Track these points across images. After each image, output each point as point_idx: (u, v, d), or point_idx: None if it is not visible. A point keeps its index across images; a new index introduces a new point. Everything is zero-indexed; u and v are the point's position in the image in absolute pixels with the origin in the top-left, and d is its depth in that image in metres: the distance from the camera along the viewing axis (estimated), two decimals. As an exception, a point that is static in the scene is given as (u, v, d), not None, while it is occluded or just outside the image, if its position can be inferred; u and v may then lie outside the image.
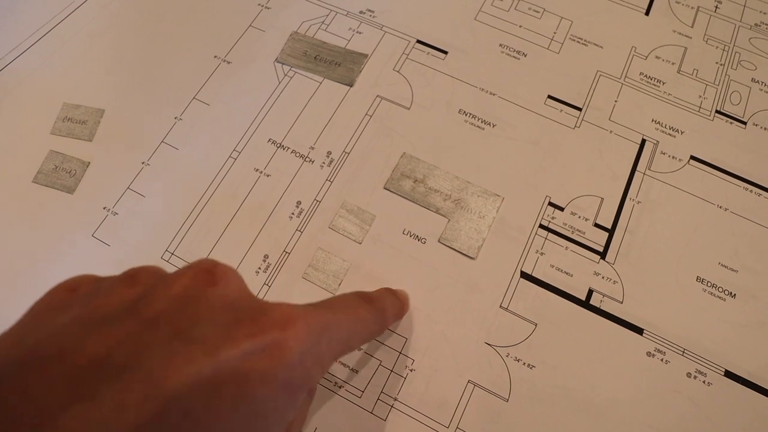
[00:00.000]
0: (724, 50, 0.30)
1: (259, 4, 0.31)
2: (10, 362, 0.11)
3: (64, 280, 0.15)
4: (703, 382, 0.22)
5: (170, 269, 0.15)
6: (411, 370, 0.23)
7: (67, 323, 0.13)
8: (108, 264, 0.25)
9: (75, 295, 0.14)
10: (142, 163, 0.27)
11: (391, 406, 0.22)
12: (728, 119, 0.28)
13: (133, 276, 0.14)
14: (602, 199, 0.26)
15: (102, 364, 0.11)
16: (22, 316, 0.14)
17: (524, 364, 0.23)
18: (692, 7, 0.31)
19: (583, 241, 0.25)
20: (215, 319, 0.13)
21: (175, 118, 0.28)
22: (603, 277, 0.24)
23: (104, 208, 0.26)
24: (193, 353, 0.12)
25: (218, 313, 0.13)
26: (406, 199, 0.26)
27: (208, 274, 0.14)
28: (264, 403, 0.13)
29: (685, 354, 0.23)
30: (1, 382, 0.11)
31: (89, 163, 0.27)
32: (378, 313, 0.19)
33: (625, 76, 0.29)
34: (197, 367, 0.12)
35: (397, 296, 0.22)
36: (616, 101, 0.28)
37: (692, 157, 0.27)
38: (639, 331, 0.23)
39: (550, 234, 0.25)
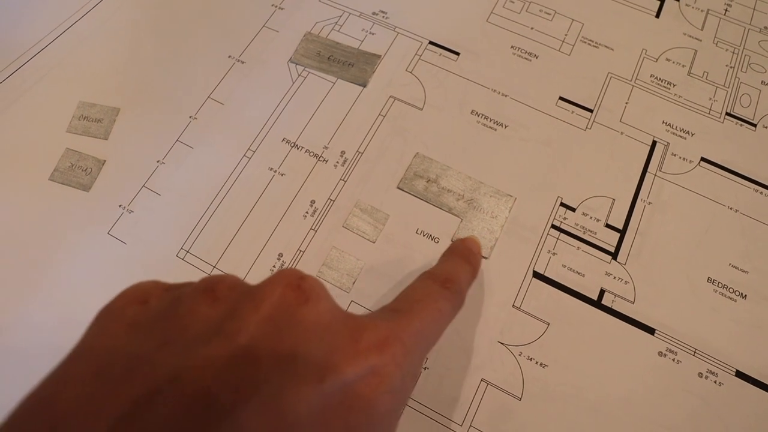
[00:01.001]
0: (734, 53, 0.30)
1: (272, 5, 0.31)
2: (94, 403, 0.10)
3: (128, 287, 0.14)
4: (715, 382, 0.23)
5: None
6: (424, 368, 0.23)
7: (151, 349, 0.12)
8: (124, 262, 0.25)
9: (149, 310, 0.13)
10: (157, 161, 0.27)
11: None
12: (738, 121, 0.28)
13: (211, 290, 0.13)
14: (613, 199, 0.26)
15: (207, 402, 0.10)
16: (89, 330, 0.13)
17: (537, 363, 0.23)
18: (702, 10, 0.31)
19: (594, 242, 0.25)
20: (313, 344, 0.12)
21: (190, 117, 0.28)
22: (614, 278, 0.24)
23: (120, 206, 0.26)
24: (299, 389, 0.11)
25: (315, 337, 0.12)
26: (420, 198, 0.26)
27: (297, 290, 0.13)
28: (371, 430, 0.12)
29: (696, 354, 0.23)
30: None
31: (105, 161, 0.27)
32: (456, 297, 0.18)
33: (636, 78, 0.29)
34: (305, 401, 0.11)
35: (469, 259, 0.21)
36: (627, 103, 0.29)
37: (703, 159, 0.27)
38: (651, 331, 0.23)
39: (562, 234, 0.25)
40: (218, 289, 0.13)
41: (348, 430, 0.12)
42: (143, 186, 0.27)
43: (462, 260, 0.21)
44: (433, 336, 0.16)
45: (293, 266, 0.25)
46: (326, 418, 0.11)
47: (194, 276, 0.25)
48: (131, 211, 0.26)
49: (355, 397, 0.12)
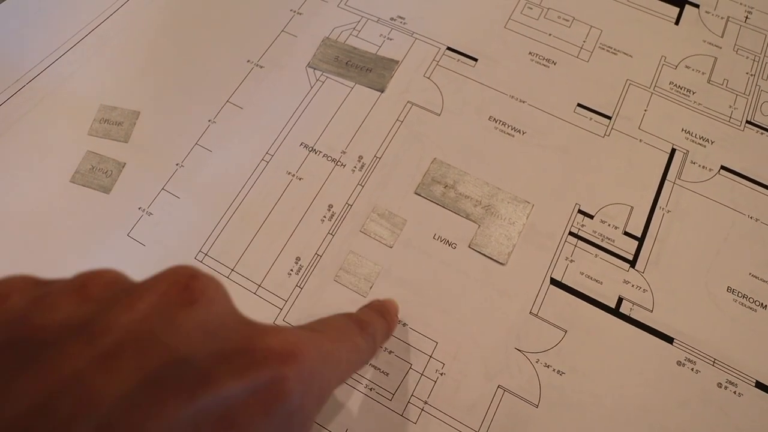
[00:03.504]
0: (754, 60, 0.31)
1: (291, 10, 0.32)
2: None
3: None
4: (734, 392, 0.23)
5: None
6: (441, 374, 0.23)
7: None
8: (143, 264, 0.26)
9: (6, 309, 0.11)
10: (177, 164, 0.28)
11: (422, 410, 0.23)
12: (759, 129, 0.29)
13: (82, 285, 0.11)
14: (632, 207, 0.27)
15: (38, 418, 0.09)
16: None
17: (554, 370, 0.23)
18: (722, 17, 0.32)
19: (612, 249, 0.26)
20: (193, 354, 0.10)
21: (209, 120, 0.29)
22: (633, 286, 0.25)
23: (139, 209, 0.27)
24: (167, 409, 0.09)
25: (195, 344, 0.11)
26: (437, 204, 0.27)
27: (184, 289, 0.11)
28: None
29: (715, 364, 0.23)
30: None
31: (125, 163, 0.28)
32: (371, 341, 0.18)
33: (655, 86, 0.30)
34: (167, 421, 0.09)
35: (385, 317, 0.21)
36: (645, 110, 0.29)
37: (722, 167, 0.28)
38: (669, 340, 0.24)
39: (580, 241, 0.26)
40: (91, 285, 0.11)
41: None
42: (162, 188, 0.28)
43: (379, 315, 0.20)
44: (345, 367, 0.15)
45: (311, 270, 0.25)
46: None
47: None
48: (150, 214, 0.27)
49: (237, 417, 0.10)
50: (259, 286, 0.25)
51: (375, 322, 0.19)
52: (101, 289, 0.11)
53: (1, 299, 0.11)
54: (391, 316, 0.22)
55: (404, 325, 0.24)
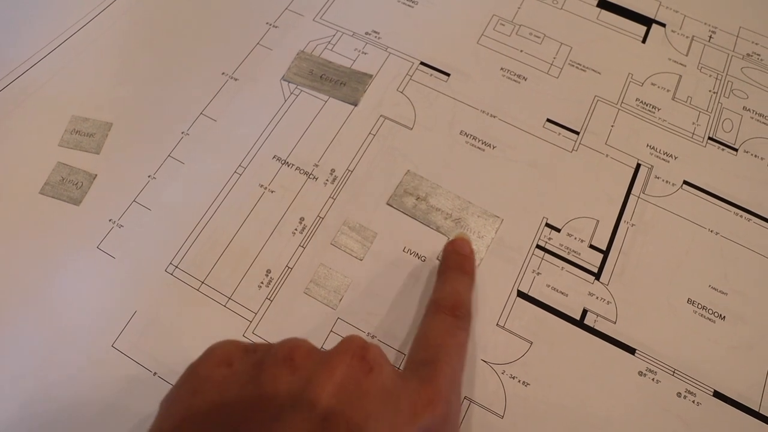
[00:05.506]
0: (717, 79, 0.32)
1: (267, 23, 0.33)
2: None
3: (212, 347, 0.17)
4: (693, 401, 0.24)
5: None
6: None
7: (244, 412, 0.14)
8: (113, 276, 0.26)
9: (234, 373, 0.16)
10: (149, 176, 0.29)
11: (390, 421, 0.23)
12: (720, 146, 0.30)
13: (291, 358, 0.16)
14: (597, 221, 0.28)
15: None
16: (180, 390, 0.16)
17: (519, 381, 0.24)
18: (687, 37, 0.34)
19: (578, 262, 0.27)
20: (380, 412, 0.15)
21: (182, 133, 0.30)
22: (597, 298, 0.26)
23: (110, 221, 0.28)
24: None
25: (381, 406, 0.15)
26: (408, 215, 0.28)
27: (362, 361, 0.16)
28: None
29: (675, 374, 0.24)
30: None
31: (96, 175, 0.29)
32: (467, 319, 0.22)
33: (622, 102, 0.31)
34: None
35: (465, 269, 0.24)
36: (612, 126, 0.30)
37: (685, 182, 0.29)
38: (631, 351, 0.25)
39: (547, 254, 0.27)
40: (296, 357, 0.16)
41: None
42: (134, 201, 0.28)
43: (459, 273, 0.24)
44: (461, 369, 0.20)
45: (282, 283, 0.26)
46: None
47: (184, 292, 0.26)
48: (121, 226, 0.27)
49: None
50: (229, 298, 0.26)
51: (461, 292, 0.23)
52: (303, 358, 0.16)
53: (228, 365, 0.16)
54: (470, 264, 0.25)
55: (372, 337, 0.25)
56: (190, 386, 0.16)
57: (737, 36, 0.34)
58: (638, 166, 0.29)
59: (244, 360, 0.16)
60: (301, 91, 0.31)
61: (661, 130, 0.30)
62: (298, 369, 0.16)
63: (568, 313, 0.26)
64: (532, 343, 0.25)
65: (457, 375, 0.20)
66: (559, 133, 0.30)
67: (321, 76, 0.31)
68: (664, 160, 0.30)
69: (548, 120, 0.30)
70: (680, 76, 0.32)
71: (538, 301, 0.26)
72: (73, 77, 0.31)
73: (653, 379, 0.24)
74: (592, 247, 0.27)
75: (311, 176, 0.29)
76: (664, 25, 0.34)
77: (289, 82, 0.31)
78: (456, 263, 0.25)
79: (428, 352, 0.20)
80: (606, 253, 0.27)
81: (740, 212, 0.28)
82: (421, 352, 0.20)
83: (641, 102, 0.31)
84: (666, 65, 0.33)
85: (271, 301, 0.26)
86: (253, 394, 0.15)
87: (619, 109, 0.31)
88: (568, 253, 0.27)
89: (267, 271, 0.26)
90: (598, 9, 0.34)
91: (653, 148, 0.30)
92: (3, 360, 0.24)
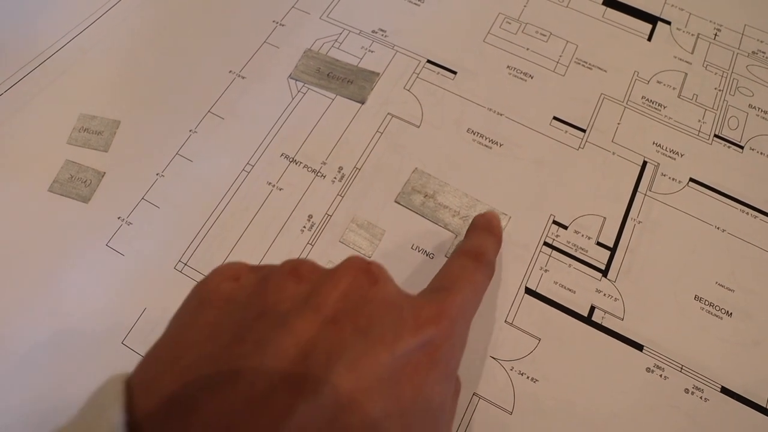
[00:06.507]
0: (722, 76, 0.32)
1: (273, 21, 0.33)
2: (215, 360, 0.13)
3: (220, 266, 0.17)
4: (700, 398, 0.24)
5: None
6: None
7: (251, 319, 0.14)
8: (122, 273, 0.26)
9: (242, 287, 0.16)
10: (157, 174, 0.29)
11: (399, 417, 0.24)
12: (726, 143, 0.30)
13: (296, 270, 0.16)
14: (604, 218, 0.28)
15: (306, 363, 0.13)
16: (189, 302, 0.16)
17: (528, 378, 0.24)
18: (692, 34, 0.34)
19: (585, 259, 0.27)
20: (384, 318, 0.15)
21: (190, 130, 0.30)
22: (605, 295, 0.26)
23: (119, 218, 0.28)
24: (377, 352, 0.14)
25: (385, 312, 0.16)
26: (416, 213, 0.28)
27: (367, 273, 0.16)
28: (433, 393, 0.15)
29: (683, 370, 0.25)
30: (218, 382, 0.13)
31: (104, 173, 0.29)
32: (488, 268, 0.21)
33: (628, 100, 0.31)
34: (382, 363, 0.14)
35: (493, 231, 0.24)
36: (618, 124, 0.31)
37: (691, 180, 0.29)
38: (639, 347, 0.25)
39: (554, 252, 0.27)
40: (301, 270, 0.16)
41: (414, 388, 0.15)
42: (142, 198, 0.28)
43: (486, 233, 0.24)
44: (473, 305, 0.20)
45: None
46: (397, 377, 0.14)
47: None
48: (130, 223, 0.28)
49: (418, 361, 0.15)
50: (239, 295, 0.26)
51: (487, 246, 0.22)
52: (308, 272, 0.16)
53: (235, 278, 0.16)
54: (497, 229, 0.24)
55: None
56: (197, 300, 0.16)
57: (742, 34, 0.34)
58: (645, 163, 0.30)
59: (250, 275, 0.16)
60: (309, 89, 0.31)
61: (667, 128, 0.31)
62: (303, 280, 0.16)
63: (576, 310, 0.26)
64: (540, 339, 0.25)
65: (469, 307, 0.19)
66: (566, 131, 0.30)
67: (328, 74, 0.31)
68: (670, 157, 0.30)
69: (555, 118, 0.31)
70: (686, 73, 0.33)
71: (546, 298, 0.26)
72: (80, 75, 0.32)
73: (661, 376, 0.25)
74: (599, 244, 0.27)
75: (319, 174, 0.29)
76: (669, 23, 0.34)
77: (296, 80, 0.31)
78: (485, 225, 0.24)
79: (443, 281, 0.19)
80: (613, 251, 0.27)
81: (746, 209, 0.29)
82: (437, 281, 0.20)
83: (647, 100, 0.32)
84: (672, 63, 0.33)
85: (280, 298, 0.26)
86: (259, 303, 0.15)
87: (625, 107, 0.31)
88: (576, 250, 0.27)
89: (276, 269, 0.27)
90: (604, 7, 0.35)
91: (659, 145, 0.30)
92: (13, 356, 0.25)
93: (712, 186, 0.29)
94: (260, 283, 0.16)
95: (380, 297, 0.16)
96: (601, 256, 0.27)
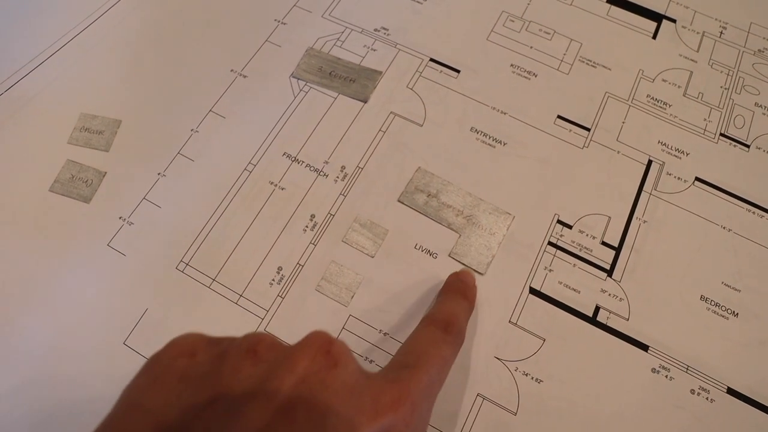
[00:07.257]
0: (728, 75, 0.32)
1: (275, 20, 0.33)
2: None
3: (176, 338, 0.17)
4: (706, 398, 0.24)
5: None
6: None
7: (202, 405, 0.14)
8: (123, 273, 0.26)
9: (197, 364, 0.16)
10: (158, 174, 0.29)
11: (402, 418, 0.24)
12: (732, 142, 0.30)
13: (254, 351, 0.16)
14: (609, 217, 0.28)
15: None
16: (140, 378, 0.16)
17: (532, 378, 0.24)
18: (698, 33, 0.34)
19: (590, 259, 0.27)
20: (341, 406, 0.15)
21: (192, 130, 0.30)
22: (609, 294, 0.26)
23: (120, 218, 0.28)
24: None
25: (343, 400, 0.15)
26: (419, 212, 0.28)
27: (326, 355, 0.16)
28: None
29: (688, 371, 0.25)
30: None
31: (105, 173, 0.29)
32: (457, 339, 0.21)
33: (633, 98, 0.31)
34: None
35: (467, 295, 0.24)
36: (623, 122, 0.31)
37: (697, 179, 0.29)
38: (644, 347, 0.25)
39: (559, 251, 0.27)
40: (259, 350, 0.16)
41: None
42: (144, 198, 0.28)
43: (459, 297, 0.24)
44: (438, 383, 0.19)
45: (293, 280, 0.26)
46: None
47: (195, 289, 0.26)
48: (131, 223, 0.28)
49: None
50: (241, 296, 0.26)
51: (458, 313, 0.22)
52: (266, 351, 0.16)
53: (190, 355, 0.16)
54: (471, 291, 0.24)
55: (384, 334, 0.25)
56: (150, 375, 0.16)
57: (748, 32, 0.34)
58: (650, 162, 0.29)
59: (206, 351, 0.16)
60: (311, 88, 0.31)
61: (673, 127, 0.31)
62: (260, 361, 0.15)
63: (581, 310, 0.26)
64: (544, 340, 0.25)
65: (434, 386, 0.19)
66: (570, 130, 0.30)
67: (330, 73, 0.31)
68: (675, 156, 0.30)
69: (559, 116, 0.31)
70: (691, 72, 0.32)
71: (551, 298, 0.26)
72: (81, 75, 0.32)
73: (666, 376, 0.25)
74: (604, 243, 0.27)
75: (321, 173, 0.29)
76: (674, 21, 0.34)
77: (298, 79, 0.31)
78: (457, 288, 0.24)
79: (408, 357, 0.19)
80: (618, 250, 0.27)
81: (753, 208, 0.28)
82: (402, 356, 0.20)
83: (652, 98, 0.31)
84: (677, 61, 0.33)
85: (283, 298, 0.26)
86: (212, 385, 0.15)
87: (630, 106, 0.31)
88: (580, 249, 0.27)
89: (278, 269, 0.27)
90: (608, 5, 0.35)
91: (665, 144, 0.30)
92: (14, 357, 0.25)
93: (717, 185, 0.29)
94: (216, 360, 0.16)
95: (339, 382, 0.15)
96: (606, 256, 0.27)
